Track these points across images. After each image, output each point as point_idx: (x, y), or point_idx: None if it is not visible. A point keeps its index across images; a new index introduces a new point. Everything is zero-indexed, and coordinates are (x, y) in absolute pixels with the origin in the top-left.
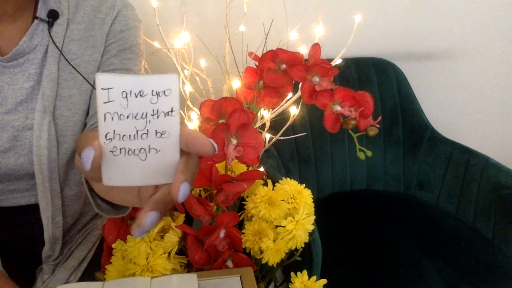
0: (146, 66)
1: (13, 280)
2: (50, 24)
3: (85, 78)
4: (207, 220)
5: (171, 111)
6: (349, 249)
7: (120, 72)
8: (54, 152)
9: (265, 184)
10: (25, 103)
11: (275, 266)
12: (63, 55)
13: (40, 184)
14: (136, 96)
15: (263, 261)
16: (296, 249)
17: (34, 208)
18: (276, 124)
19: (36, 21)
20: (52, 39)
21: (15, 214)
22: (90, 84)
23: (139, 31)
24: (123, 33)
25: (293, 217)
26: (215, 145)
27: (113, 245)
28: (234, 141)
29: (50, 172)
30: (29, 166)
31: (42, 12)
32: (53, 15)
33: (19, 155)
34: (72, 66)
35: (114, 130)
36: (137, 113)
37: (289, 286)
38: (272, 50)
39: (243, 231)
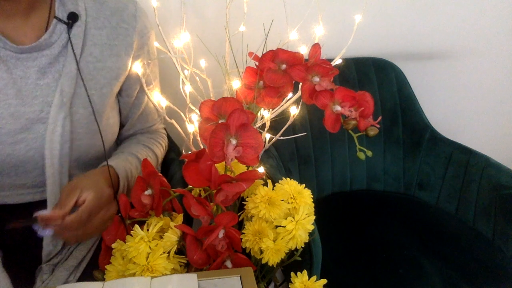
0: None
1: (13, 279)
2: (70, 26)
3: (85, 84)
4: (206, 220)
5: None
6: (349, 249)
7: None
8: (66, 147)
9: (265, 184)
10: (41, 98)
11: (275, 266)
12: (77, 62)
13: (50, 178)
14: None
15: (263, 261)
16: (296, 249)
17: (38, 206)
18: (276, 124)
19: (55, 20)
20: (71, 41)
21: (18, 212)
22: (89, 98)
23: (153, 38)
24: (148, 46)
25: (293, 217)
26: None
27: (113, 245)
28: (233, 141)
29: (61, 167)
30: (39, 159)
31: (59, 12)
32: (72, 17)
33: (30, 148)
34: (79, 71)
35: None
36: None
37: (289, 286)
38: (272, 50)
39: (243, 231)
